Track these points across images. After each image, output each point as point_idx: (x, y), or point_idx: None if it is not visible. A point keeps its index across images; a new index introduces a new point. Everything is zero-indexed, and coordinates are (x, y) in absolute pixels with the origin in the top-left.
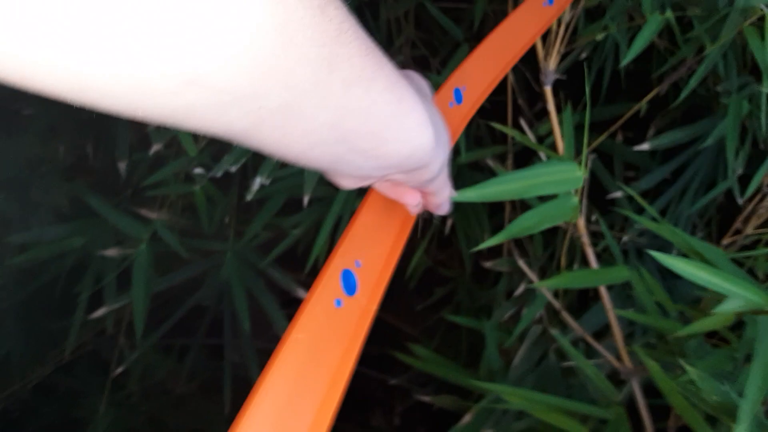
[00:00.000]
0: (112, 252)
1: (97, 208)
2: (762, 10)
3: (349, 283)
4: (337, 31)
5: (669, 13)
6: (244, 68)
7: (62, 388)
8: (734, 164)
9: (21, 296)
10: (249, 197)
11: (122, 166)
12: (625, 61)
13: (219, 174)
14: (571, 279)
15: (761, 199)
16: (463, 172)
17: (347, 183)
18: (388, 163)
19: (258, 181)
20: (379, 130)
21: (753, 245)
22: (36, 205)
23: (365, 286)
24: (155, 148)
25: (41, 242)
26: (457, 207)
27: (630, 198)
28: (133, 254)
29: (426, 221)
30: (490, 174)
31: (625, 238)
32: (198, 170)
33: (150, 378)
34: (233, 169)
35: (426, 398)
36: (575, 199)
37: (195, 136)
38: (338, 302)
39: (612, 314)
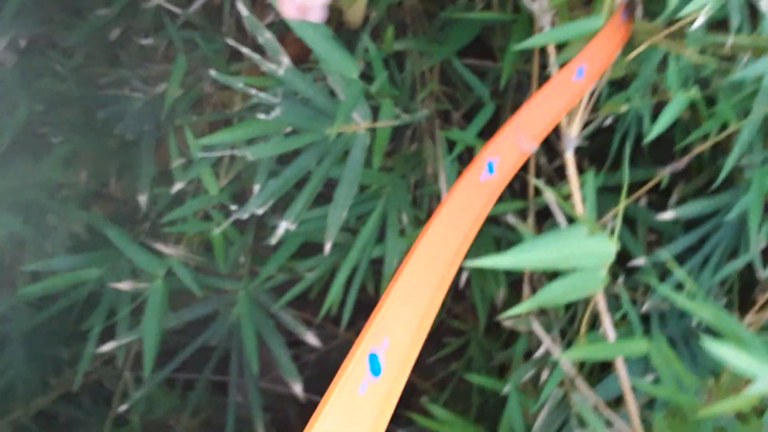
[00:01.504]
0: (126, 285)
1: (115, 240)
2: None
3: (375, 366)
4: None
5: (694, 91)
6: None
7: (64, 418)
8: (756, 238)
9: (31, 324)
10: (274, 241)
11: (142, 199)
12: (648, 139)
13: (245, 216)
14: (588, 351)
15: None
16: (481, 227)
17: None
18: None
19: (284, 225)
20: None
21: None
22: (52, 231)
23: (391, 367)
24: (178, 186)
25: (55, 271)
26: (472, 259)
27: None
28: (147, 289)
29: None
30: (507, 229)
31: (647, 305)
32: (217, 213)
33: (153, 412)
34: (260, 211)
35: None
36: (604, 273)
37: (217, 175)
38: (363, 386)
39: (626, 385)
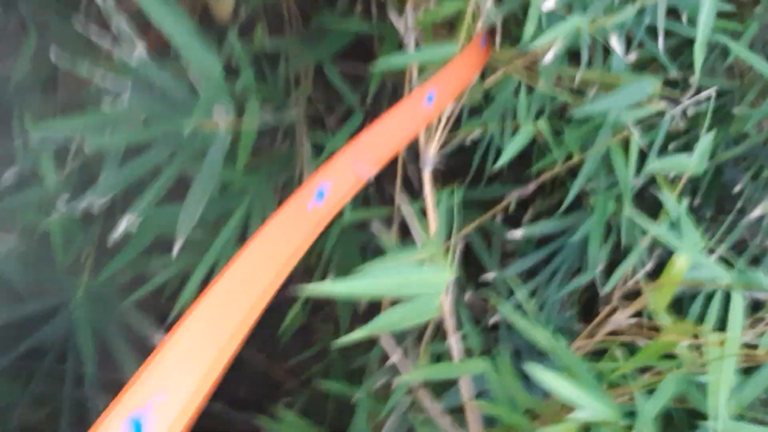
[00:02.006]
0: None
1: None
2: (629, 131)
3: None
4: None
5: (542, 123)
6: None
7: None
8: (596, 258)
9: None
10: (115, 236)
11: None
12: (498, 165)
13: (77, 213)
14: (431, 372)
15: (611, 312)
16: (347, 233)
17: None
18: None
19: (127, 219)
20: None
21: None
22: None
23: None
24: (10, 172)
25: None
26: (336, 264)
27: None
28: None
29: (303, 277)
30: (374, 235)
31: (494, 318)
32: (60, 204)
33: None
34: (95, 206)
35: None
36: (438, 302)
37: (58, 164)
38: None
39: (468, 400)
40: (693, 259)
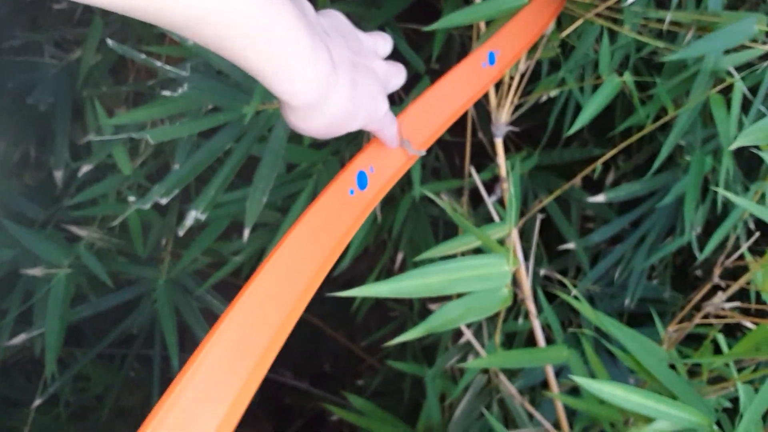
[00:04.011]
0: (37, 272)
1: (12, 231)
2: (731, 76)
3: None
4: None
5: (627, 76)
6: None
7: None
8: (692, 220)
9: None
10: (181, 232)
11: (58, 175)
12: (578, 124)
13: (147, 206)
14: (507, 358)
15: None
16: (417, 207)
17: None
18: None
19: (192, 215)
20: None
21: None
22: None
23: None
24: (86, 167)
25: None
26: (408, 239)
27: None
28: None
29: (375, 253)
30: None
31: (578, 288)
32: (131, 198)
33: (87, 391)
34: (164, 201)
35: None
36: (505, 292)
37: (137, 152)
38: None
39: (558, 403)
40: None
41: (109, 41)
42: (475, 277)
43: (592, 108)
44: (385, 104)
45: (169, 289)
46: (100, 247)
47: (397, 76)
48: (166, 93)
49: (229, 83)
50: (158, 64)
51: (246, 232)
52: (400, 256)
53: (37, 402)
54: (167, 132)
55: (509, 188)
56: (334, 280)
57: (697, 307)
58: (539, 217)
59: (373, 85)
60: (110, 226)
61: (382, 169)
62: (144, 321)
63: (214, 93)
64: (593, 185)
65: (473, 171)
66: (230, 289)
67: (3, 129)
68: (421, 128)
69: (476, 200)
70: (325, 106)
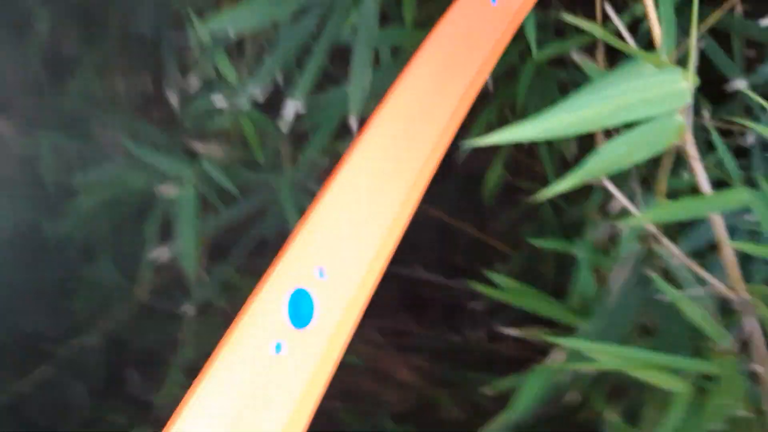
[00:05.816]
0: (167, 189)
1: (132, 150)
2: None
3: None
4: None
5: None
6: None
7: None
8: None
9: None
10: (285, 129)
11: (172, 96)
12: None
13: (243, 102)
14: (674, 210)
15: None
16: (542, 71)
17: None
18: None
19: (291, 105)
20: None
21: None
22: (97, 144)
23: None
24: (192, 79)
25: (103, 183)
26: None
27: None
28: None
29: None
30: (576, 69)
31: (751, 137)
32: (244, 100)
33: (238, 299)
34: (260, 94)
35: (512, 331)
36: (680, 120)
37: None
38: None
39: (727, 248)
40: None
41: None
42: (645, 100)
43: None
44: None
45: (293, 191)
46: (221, 161)
47: None
48: None
49: None
50: None
51: (352, 120)
52: None
53: (188, 309)
54: (243, 17)
55: (657, 20)
56: (455, 174)
57: None
58: (696, 47)
59: None
60: (227, 136)
61: None
62: (274, 228)
63: None
64: (753, 16)
65: (611, 12)
66: None
67: (116, 65)
68: None
69: (613, 55)
70: None
